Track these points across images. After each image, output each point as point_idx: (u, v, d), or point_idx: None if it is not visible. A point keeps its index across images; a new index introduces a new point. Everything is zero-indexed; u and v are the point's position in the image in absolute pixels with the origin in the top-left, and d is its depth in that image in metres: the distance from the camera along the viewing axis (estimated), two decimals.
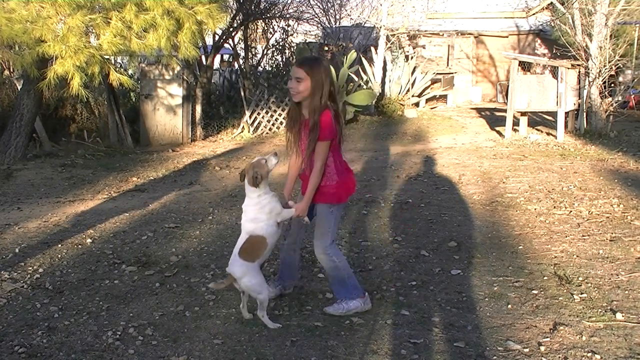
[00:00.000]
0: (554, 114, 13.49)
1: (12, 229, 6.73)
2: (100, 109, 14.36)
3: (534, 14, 22.31)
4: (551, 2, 17.65)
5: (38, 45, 9.05)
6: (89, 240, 6.26)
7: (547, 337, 3.99)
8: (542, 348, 3.85)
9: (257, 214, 4.23)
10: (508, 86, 14.03)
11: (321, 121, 4.04)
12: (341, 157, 4.33)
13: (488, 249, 5.86)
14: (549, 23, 20.82)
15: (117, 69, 10.64)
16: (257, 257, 4.27)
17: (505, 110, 13.81)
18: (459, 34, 22.57)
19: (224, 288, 4.42)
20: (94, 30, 9.64)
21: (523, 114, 13.62)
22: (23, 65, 9.53)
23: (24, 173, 9.90)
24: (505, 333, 4.09)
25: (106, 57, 10.01)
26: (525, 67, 19.98)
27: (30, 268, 5.47)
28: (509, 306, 4.52)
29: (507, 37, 22.72)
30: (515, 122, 13.59)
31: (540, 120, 15.43)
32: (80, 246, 6.10)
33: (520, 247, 5.88)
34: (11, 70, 14.36)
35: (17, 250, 5.95)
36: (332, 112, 4.09)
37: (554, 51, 16.47)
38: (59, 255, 5.81)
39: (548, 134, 13.56)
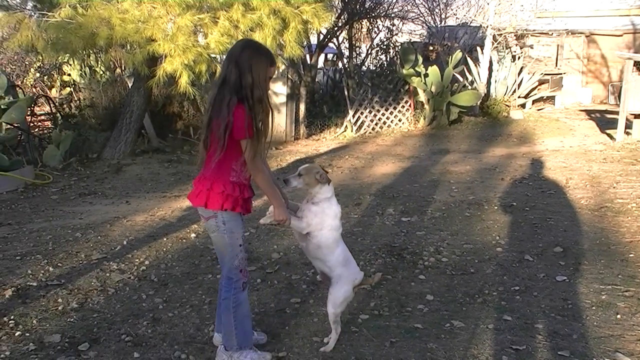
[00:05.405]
0: None
1: (120, 222, 6.97)
2: (206, 107, 14.64)
3: None
4: None
5: (148, 44, 9.34)
6: (193, 235, 6.40)
7: None
8: None
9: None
10: (621, 87, 13.44)
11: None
12: None
13: (596, 256, 5.62)
14: None
15: None
16: None
17: (616, 113, 13.24)
18: (569, 33, 21.79)
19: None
20: (202, 30, 9.86)
21: (637, 116, 12.99)
22: (134, 64, 9.85)
23: (133, 168, 10.25)
24: (614, 344, 3.90)
25: (213, 55, 10.20)
26: None
27: (137, 260, 5.65)
28: (618, 316, 4.32)
29: (621, 35, 21.77)
30: (628, 125, 12.98)
31: None
32: (184, 240, 6.24)
33: (631, 255, 5.61)
34: (123, 68, 14.87)
35: (125, 243, 6.16)
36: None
37: None
38: (164, 249, 5.97)
39: None
